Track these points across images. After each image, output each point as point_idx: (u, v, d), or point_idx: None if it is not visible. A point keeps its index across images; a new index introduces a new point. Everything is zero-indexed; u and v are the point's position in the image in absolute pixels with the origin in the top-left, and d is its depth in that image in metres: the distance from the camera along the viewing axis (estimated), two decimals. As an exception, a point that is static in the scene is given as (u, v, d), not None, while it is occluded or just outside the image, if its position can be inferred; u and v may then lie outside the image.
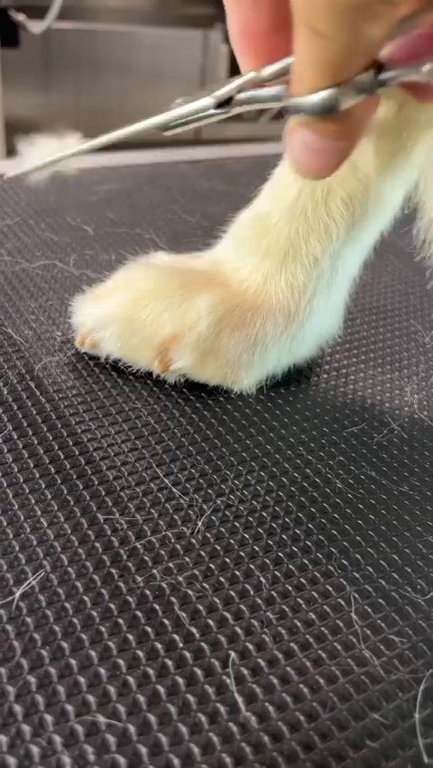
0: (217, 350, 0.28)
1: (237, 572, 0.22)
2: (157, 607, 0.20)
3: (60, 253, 0.38)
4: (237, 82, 0.21)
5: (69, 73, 1.54)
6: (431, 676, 0.20)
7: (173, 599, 0.20)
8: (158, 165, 0.54)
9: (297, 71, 0.18)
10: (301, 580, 0.22)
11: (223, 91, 0.21)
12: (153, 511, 0.23)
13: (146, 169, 0.53)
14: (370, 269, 0.35)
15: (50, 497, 0.23)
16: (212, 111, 0.21)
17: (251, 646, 0.20)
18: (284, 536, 0.23)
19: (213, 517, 0.23)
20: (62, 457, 0.25)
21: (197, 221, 0.45)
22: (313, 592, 0.21)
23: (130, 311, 0.29)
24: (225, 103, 0.21)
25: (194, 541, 0.22)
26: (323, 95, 0.18)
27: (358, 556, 0.23)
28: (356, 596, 0.22)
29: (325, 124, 0.18)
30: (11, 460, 0.24)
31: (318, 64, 0.17)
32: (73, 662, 0.18)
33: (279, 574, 0.22)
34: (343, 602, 0.21)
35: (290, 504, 0.25)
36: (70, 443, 0.25)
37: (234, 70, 0.20)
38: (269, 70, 0.20)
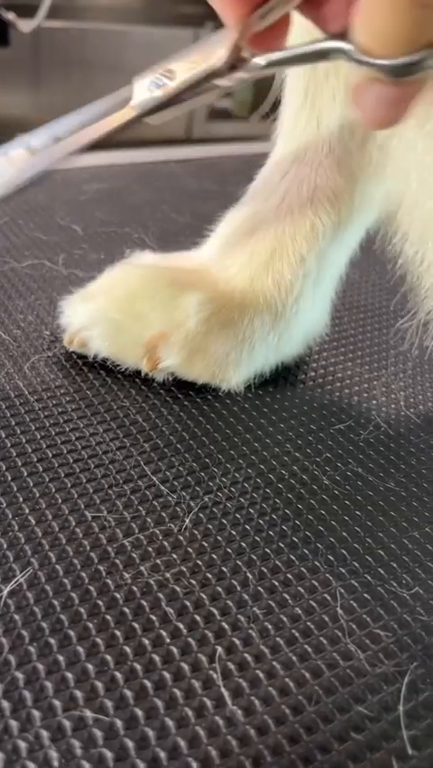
0: (205, 348, 0.28)
1: (224, 569, 0.22)
2: (144, 603, 0.20)
3: (49, 253, 0.38)
4: (232, 39, 0.18)
5: (60, 72, 1.53)
6: (415, 669, 0.20)
7: (160, 596, 0.21)
8: (147, 164, 0.54)
9: (383, 30, 0.17)
10: (288, 575, 0.22)
11: (225, 55, 0.18)
12: (141, 508, 0.23)
13: (136, 168, 0.53)
14: (357, 267, 0.35)
15: (37, 495, 0.23)
16: (226, 81, 0.19)
17: (237, 641, 0.20)
18: (271, 533, 0.23)
19: (200, 514, 0.24)
20: (50, 455, 0.25)
21: (186, 220, 0.45)
22: (299, 588, 0.22)
23: (118, 310, 0.29)
24: (232, 68, 0.19)
25: (181, 538, 0.23)
26: (415, 58, 0.17)
27: (344, 552, 0.23)
28: (342, 591, 0.22)
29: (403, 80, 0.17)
30: (-1, 458, 0.24)
31: (419, 26, 0.16)
32: (61, 658, 0.19)
33: (265, 570, 0.22)
34: (329, 597, 0.21)
35: (276, 501, 0.25)
36: (59, 442, 0.26)
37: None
38: (265, 23, 0.18)
